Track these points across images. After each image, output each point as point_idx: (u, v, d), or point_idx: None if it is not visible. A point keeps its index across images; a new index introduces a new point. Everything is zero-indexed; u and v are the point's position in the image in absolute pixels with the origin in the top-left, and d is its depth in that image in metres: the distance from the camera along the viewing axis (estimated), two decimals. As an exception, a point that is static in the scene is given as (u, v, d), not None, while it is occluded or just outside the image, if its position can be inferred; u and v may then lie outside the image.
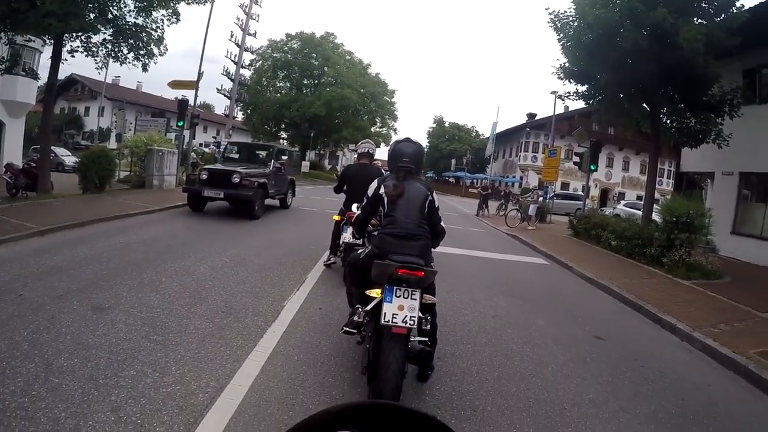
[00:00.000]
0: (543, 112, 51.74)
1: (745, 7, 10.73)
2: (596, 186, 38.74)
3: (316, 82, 42.03)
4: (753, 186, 13.23)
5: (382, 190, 3.13)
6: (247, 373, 3.20)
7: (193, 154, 19.99)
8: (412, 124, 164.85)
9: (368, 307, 2.97)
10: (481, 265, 8.74)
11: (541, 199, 19.40)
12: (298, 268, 6.40)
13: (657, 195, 15.01)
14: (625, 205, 24.48)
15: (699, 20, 10.55)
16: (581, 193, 22.42)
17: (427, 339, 3.09)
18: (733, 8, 10.70)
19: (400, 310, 2.74)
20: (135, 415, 2.53)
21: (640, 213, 16.37)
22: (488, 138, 43.43)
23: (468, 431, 2.85)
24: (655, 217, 12.17)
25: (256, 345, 3.69)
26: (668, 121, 12.68)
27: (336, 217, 6.32)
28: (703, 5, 10.84)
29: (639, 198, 25.22)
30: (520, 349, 4.41)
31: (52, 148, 14.34)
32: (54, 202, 10.04)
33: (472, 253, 9.88)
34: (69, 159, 22.59)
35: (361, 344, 3.17)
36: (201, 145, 41.89)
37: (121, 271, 5.38)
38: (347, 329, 3.01)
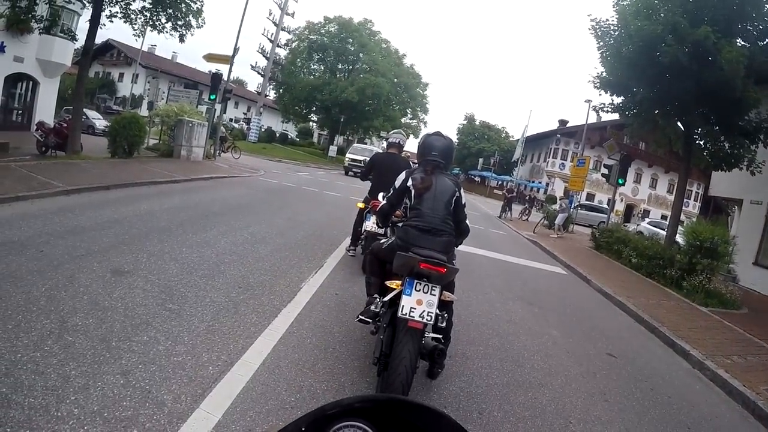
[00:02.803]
0: (575, 119, 51.04)
1: None
2: (622, 200, 38.02)
3: (350, 67, 41.88)
4: (781, 218, 12.69)
5: (409, 183, 3.09)
6: (259, 351, 3.19)
7: (222, 128, 20.18)
8: (443, 119, 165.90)
9: (386, 298, 2.96)
10: (500, 268, 8.64)
11: (571, 210, 19.22)
12: (318, 251, 6.38)
13: (682, 217, 14.62)
14: (649, 223, 23.98)
15: (742, 42, 10.22)
16: (606, 206, 22.01)
17: (441, 336, 3.05)
18: None
19: (418, 304, 2.70)
20: (144, 381, 2.53)
21: (663, 232, 16.09)
22: (517, 140, 42.92)
23: (475, 436, 2.78)
24: (679, 239, 11.90)
25: (269, 324, 3.69)
26: (701, 143, 12.34)
27: (360, 205, 6.22)
28: (748, 28, 10.51)
29: (663, 217, 24.67)
30: (532, 357, 4.33)
31: (84, 110, 14.54)
32: (82, 163, 10.20)
33: (491, 254, 9.77)
34: (100, 122, 23.01)
35: (375, 334, 3.16)
36: (231, 120, 42.38)
37: (143, 237, 5.42)
38: (362, 318, 3.01)
